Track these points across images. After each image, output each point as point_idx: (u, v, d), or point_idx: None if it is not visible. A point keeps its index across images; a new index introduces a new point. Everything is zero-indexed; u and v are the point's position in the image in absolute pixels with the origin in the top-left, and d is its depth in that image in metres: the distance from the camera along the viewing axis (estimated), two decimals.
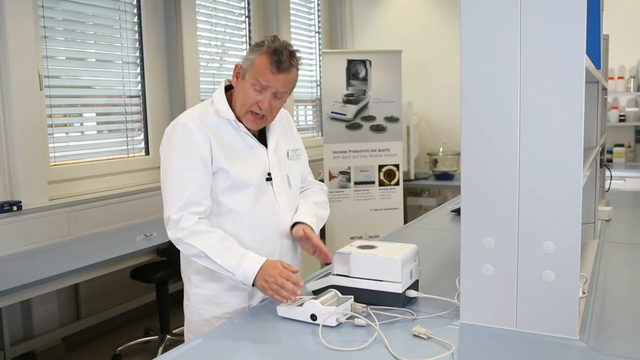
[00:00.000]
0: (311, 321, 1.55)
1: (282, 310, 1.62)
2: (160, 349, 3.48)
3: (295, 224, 1.86)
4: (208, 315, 1.77)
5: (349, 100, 5.24)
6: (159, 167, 1.79)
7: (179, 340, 3.48)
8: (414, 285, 1.72)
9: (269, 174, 1.83)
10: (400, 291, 1.62)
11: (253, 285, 1.66)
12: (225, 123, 1.78)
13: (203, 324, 1.78)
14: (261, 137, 1.86)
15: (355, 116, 5.24)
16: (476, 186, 1.47)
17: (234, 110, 1.79)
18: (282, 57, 1.71)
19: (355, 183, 5.25)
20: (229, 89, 1.85)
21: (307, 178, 2.05)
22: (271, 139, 1.86)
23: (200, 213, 1.71)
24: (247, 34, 5.40)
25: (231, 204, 1.76)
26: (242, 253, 1.67)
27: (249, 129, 1.81)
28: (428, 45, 6.41)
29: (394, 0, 6.64)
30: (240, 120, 1.79)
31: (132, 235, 3.49)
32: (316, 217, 1.91)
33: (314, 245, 1.83)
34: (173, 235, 1.70)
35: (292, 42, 5.76)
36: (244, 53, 5.34)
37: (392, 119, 5.33)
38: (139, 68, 4.30)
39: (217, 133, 1.76)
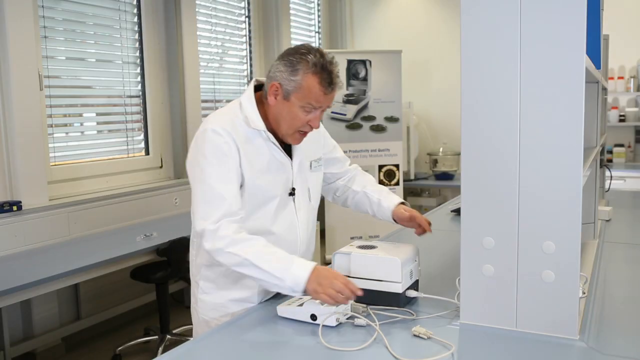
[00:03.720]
0: (311, 321, 1.55)
1: (282, 310, 1.62)
2: (160, 349, 3.48)
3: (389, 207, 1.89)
4: (213, 323, 1.75)
5: (349, 100, 5.24)
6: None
7: (179, 340, 3.48)
8: (414, 285, 1.72)
9: (293, 188, 1.78)
10: (400, 291, 1.62)
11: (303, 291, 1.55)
12: (255, 133, 1.69)
13: (207, 330, 1.78)
14: (285, 146, 1.76)
15: (355, 116, 5.24)
16: (476, 186, 1.47)
17: (265, 121, 1.70)
18: (332, 75, 1.63)
19: None
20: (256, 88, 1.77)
21: (346, 165, 2.03)
22: (297, 151, 1.78)
23: (237, 222, 1.61)
24: (247, 34, 5.40)
25: (251, 216, 1.69)
26: (289, 258, 1.57)
27: (278, 141, 1.72)
28: (428, 45, 6.41)
29: (394, 0, 6.64)
30: (270, 131, 1.71)
31: (132, 235, 3.49)
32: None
33: (419, 221, 1.86)
34: (212, 246, 1.58)
35: (292, 42, 5.78)
36: (244, 53, 5.34)
37: (392, 119, 5.33)
38: (139, 68, 4.30)
39: (245, 143, 1.67)
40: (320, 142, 1.91)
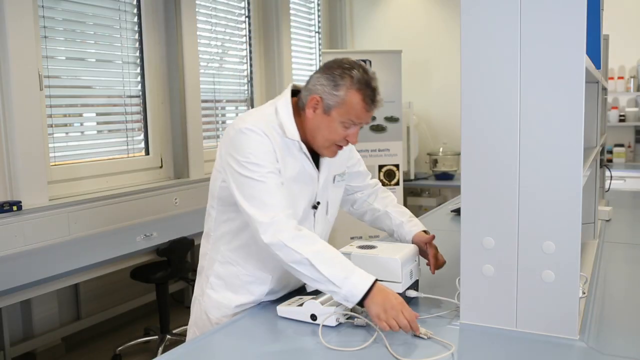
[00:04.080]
0: (311, 321, 1.55)
1: (282, 310, 1.61)
2: (160, 349, 3.48)
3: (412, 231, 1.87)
4: (214, 320, 1.74)
5: None
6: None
7: (179, 340, 3.48)
8: (414, 285, 1.72)
9: (318, 202, 1.75)
10: (401, 291, 1.61)
11: (359, 304, 1.49)
12: (289, 142, 1.65)
13: (207, 325, 1.78)
14: (313, 157, 1.72)
15: None
16: (476, 186, 1.47)
17: (299, 130, 1.66)
18: (376, 91, 1.61)
19: None
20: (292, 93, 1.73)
21: (367, 179, 2.01)
22: (325, 165, 1.75)
23: (292, 216, 1.57)
24: (247, 34, 5.40)
25: None
26: (351, 266, 1.52)
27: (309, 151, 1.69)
28: (428, 45, 6.41)
29: (394, 0, 6.64)
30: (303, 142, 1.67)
31: (132, 235, 3.49)
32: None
33: (436, 252, 1.83)
34: (271, 238, 1.52)
35: (292, 42, 5.78)
36: (244, 53, 5.34)
37: (392, 119, 5.33)
38: (139, 68, 4.30)
39: (280, 150, 1.63)
40: (346, 155, 1.88)
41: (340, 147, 1.69)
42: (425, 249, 1.83)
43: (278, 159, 1.62)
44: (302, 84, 1.74)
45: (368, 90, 1.60)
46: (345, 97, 1.60)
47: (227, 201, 1.69)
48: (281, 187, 1.59)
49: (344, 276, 1.49)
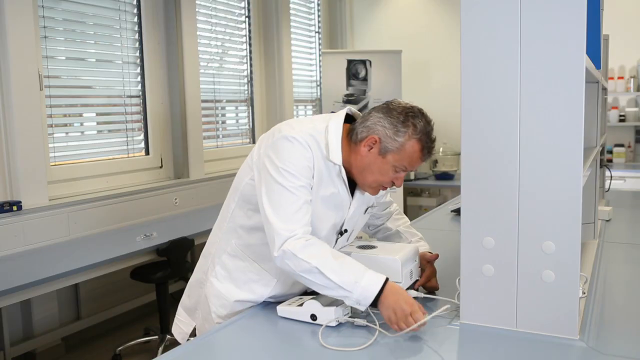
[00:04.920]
0: (311, 321, 1.55)
1: (282, 310, 1.62)
2: (160, 349, 3.48)
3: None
4: (214, 308, 1.74)
5: (349, 100, 5.25)
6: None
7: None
8: (414, 285, 1.72)
9: (345, 230, 1.75)
10: (367, 306, 1.60)
11: (372, 305, 1.50)
12: (330, 164, 1.64)
13: (202, 311, 1.78)
14: (350, 183, 1.72)
15: None
16: (476, 186, 1.47)
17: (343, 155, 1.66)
18: (434, 142, 1.64)
19: None
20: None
21: (389, 206, 2.01)
22: (359, 194, 1.74)
23: (309, 232, 1.58)
24: (247, 34, 5.40)
25: None
26: (361, 269, 1.53)
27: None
28: (428, 45, 6.41)
29: (394, 0, 6.64)
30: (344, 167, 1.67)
31: (132, 235, 3.49)
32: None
33: (433, 272, 1.83)
34: (283, 249, 1.52)
35: (292, 42, 5.78)
36: (244, 53, 5.34)
37: None
38: (139, 68, 4.30)
39: (320, 167, 1.63)
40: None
41: (385, 188, 1.72)
42: (425, 267, 1.83)
43: (314, 176, 1.62)
44: (357, 111, 1.76)
45: (428, 142, 1.64)
46: (405, 144, 1.62)
47: (249, 199, 1.69)
48: (309, 204, 1.60)
49: (354, 280, 1.49)
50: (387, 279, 1.51)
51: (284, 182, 1.57)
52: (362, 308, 1.51)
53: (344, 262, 1.54)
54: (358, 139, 1.66)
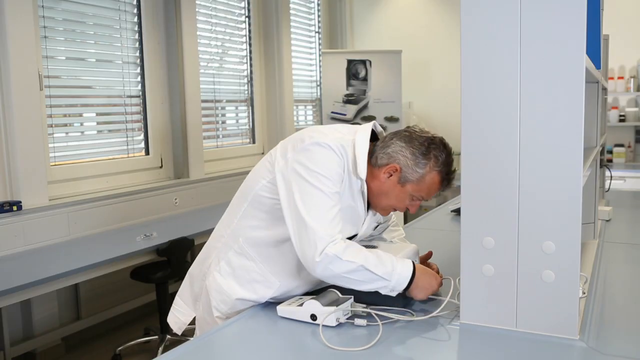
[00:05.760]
0: (311, 321, 1.55)
1: (282, 310, 1.62)
2: (160, 349, 3.48)
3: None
4: (214, 302, 1.74)
5: (349, 100, 5.25)
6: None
7: (179, 340, 3.48)
8: None
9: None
10: (401, 291, 1.62)
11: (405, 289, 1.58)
12: (353, 178, 1.65)
13: (202, 303, 1.78)
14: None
15: (356, 116, 5.25)
16: (476, 186, 1.47)
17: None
18: (453, 174, 1.66)
19: None
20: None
21: (389, 222, 2.02)
22: (372, 211, 1.77)
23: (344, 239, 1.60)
24: (247, 34, 5.40)
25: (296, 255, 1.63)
26: (389, 257, 1.59)
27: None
28: (428, 45, 6.41)
29: (394, 0, 6.64)
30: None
31: (132, 235, 3.49)
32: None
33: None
34: (326, 253, 1.52)
35: (292, 42, 5.78)
36: (244, 53, 5.34)
37: (392, 119, 5.34)
38: (139, 68, 4.30)
39: (345, 181, 1.64)
40: None
41: (397, 211, 1.74)
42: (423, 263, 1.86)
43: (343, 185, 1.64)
44: (381, 128, 1.77)
45: (448, 174, 1.66)
46: (425, 175, 1.64)
47: (262, 201, 1.69)
48: (341, 211, 1.61)
49: (392, 269, 1.56)
50: (413, 262, 1.61)
51: (322, 186, 1.57)
52: (394, 294, 1.58)
53: (378, 255, 1.59)
54: (378, 164, 1.67)
